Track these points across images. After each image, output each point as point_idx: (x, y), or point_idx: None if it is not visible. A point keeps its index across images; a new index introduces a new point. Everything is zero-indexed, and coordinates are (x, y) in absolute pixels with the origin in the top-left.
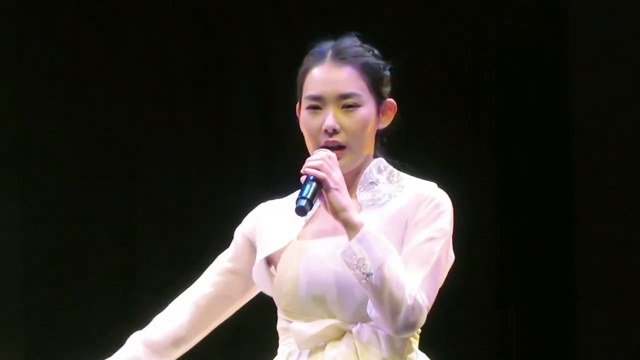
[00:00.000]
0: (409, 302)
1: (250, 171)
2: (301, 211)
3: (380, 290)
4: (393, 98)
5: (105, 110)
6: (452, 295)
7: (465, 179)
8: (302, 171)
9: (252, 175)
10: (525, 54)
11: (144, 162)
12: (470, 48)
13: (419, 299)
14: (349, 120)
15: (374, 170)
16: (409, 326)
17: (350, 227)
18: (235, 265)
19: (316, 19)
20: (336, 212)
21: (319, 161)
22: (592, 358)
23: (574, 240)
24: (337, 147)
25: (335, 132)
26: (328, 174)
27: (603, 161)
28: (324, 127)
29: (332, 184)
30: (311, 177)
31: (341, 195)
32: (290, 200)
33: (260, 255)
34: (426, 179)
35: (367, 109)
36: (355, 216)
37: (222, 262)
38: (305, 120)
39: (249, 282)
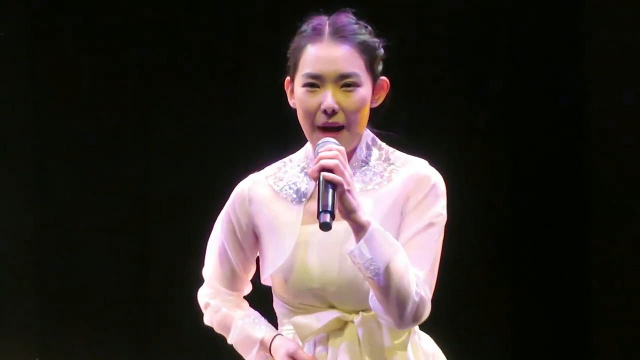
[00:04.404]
0: (416, 298)
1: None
2: (327, 228)
3: (387, 288)
4: (388, 77)
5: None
6: (462, 278)
7: (476, 157)
8: (316, 173)
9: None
10: (538, 28)
11: (155, 142)
12: (479, 17)
13: (424, 294)
14: (348, 101)
15: (364, 147)
16: (414, 320)
17: (359, 228)
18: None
19: None
20: (348, 213)
21: (334, 161)
22: (605, 344)
23: (590, 221)
24: (335, 129)
25: (334, 112)
26: (343, 175)
27: (619, 138)
28: (323, 107)
29: (346, 187)
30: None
31: (352, 196)
32: (276, 178)
33: (274, 266)
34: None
35: (365, 89)
36: (363, 216)
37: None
38: (302, 99)
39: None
